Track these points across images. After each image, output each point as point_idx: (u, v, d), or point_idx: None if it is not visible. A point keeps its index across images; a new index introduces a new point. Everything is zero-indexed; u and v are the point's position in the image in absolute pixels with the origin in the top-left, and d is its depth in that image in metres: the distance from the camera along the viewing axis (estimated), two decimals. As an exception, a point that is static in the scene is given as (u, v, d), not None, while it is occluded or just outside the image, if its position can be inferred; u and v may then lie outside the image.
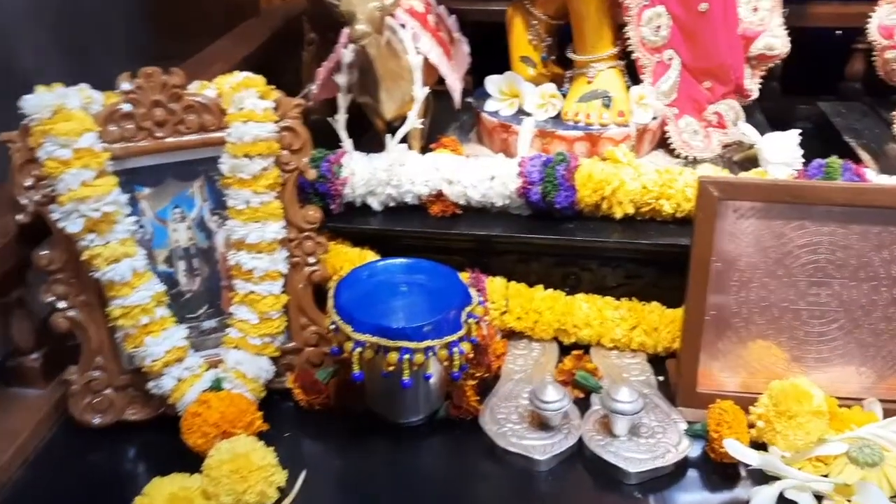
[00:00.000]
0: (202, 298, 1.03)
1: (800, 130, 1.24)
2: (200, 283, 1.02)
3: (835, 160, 1.06)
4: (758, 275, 0.97)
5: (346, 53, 1.13)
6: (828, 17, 1.63)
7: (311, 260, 1.03)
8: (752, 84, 1.38)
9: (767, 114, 1.48)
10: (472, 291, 0.98)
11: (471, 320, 0.95)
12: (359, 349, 0.90)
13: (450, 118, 1.43)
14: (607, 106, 1.24)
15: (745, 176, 1.07)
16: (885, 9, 1.37)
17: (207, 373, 0.98)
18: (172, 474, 0.87)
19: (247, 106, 0.95)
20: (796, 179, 1.01)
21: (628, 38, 1.22)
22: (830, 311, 0.97)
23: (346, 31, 1.03)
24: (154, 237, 0.98)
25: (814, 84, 1.67)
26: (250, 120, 0.94)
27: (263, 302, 0.98)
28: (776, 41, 1.34)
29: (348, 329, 0.91)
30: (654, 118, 1.27)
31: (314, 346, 1.05)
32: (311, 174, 1.02)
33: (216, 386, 0.97)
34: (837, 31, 1.69)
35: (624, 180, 1.09)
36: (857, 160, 1.30)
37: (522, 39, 1.39)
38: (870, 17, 1.37)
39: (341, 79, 1.13)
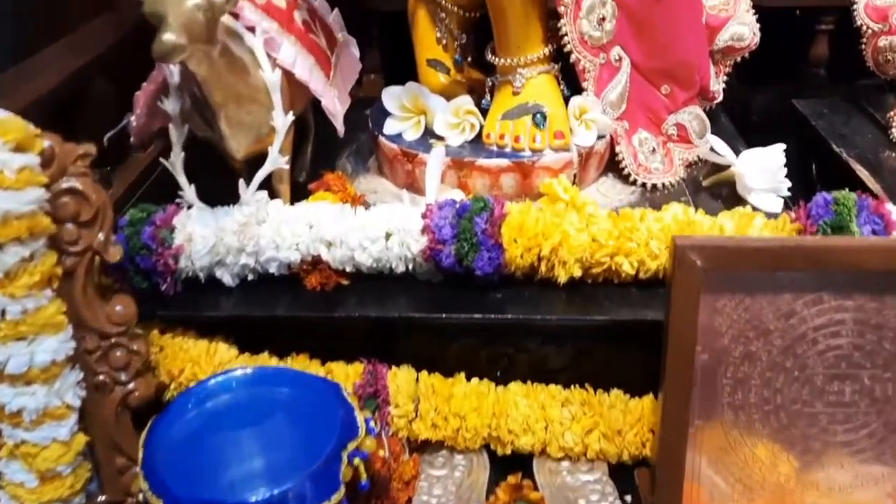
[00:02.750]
0: (-42, 448, 0.69)
1: (784, 146, 0.97)
2: (-48, 426, 0.69)
3: (847, 196, 0.78)
4: (760, 368, 0.69)
5: (172, 70, 0.80)
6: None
7: (124, 377, 0.71)
8: (718, 84, 1.11)
9: (729, 113, 1.21)
10: (358, 414, 0.68)
11: (357, 460, 0.65)
12: (176, 539, 0.59)
13: (345, 137, 1.11)
14: (540, 125, 0.94)
15: (735, 236, 0.78)
16: (873, -15, 1.11)
17: (-37, 567, 0.66)
18: None
19: (-9, 164, 0.62)
20: (808, 237, 0.73)
21: (564, 35, 0.92)
22: (858, 414, 0.70)
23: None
24: None
25: (772, 70, 1.42)
26: (-4, 186, 0.61)
27: (44, 455, 0.66)
28: (744, 29, 1.07)
29: (159, 507, 0.59)
30: (601, 137, 0.98)
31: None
32: (114, 254, 0.69)
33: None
34: (797, 11, 1.45)
35: (567, 232, 0.80)
36: (853, 176, 1.04)
37: (429, 38, 1.08)
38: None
39: (171, 105, 0.81)
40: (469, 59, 1.11)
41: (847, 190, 0.81)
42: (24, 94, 1.07)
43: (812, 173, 1.18)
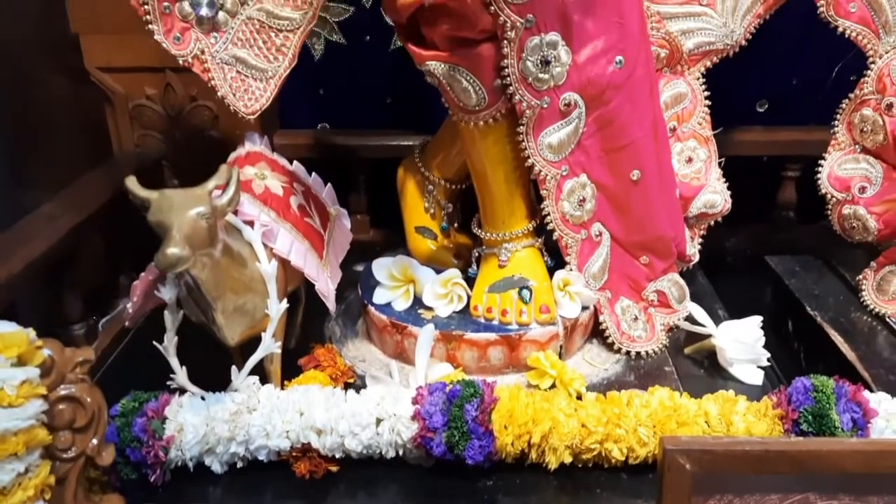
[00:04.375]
0: None
1: (760, 318, 1.01)
2: None
3: (825, 382, 0.81)
4: (751, 569, 0.69)
5: (171, 260, 0.82)
6: (754, 145, 1.44)
7: (110, 584, 0.69)
8: (693, 248, 1.15)
9: (703, 261, 1.24)
10: None
11: None
12: None
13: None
14: (526, 300, 0.97)
15: (722, 438, 0.80)
16: (835, 156, 1.18)
17: None
18: None
19: (-9, 381, 0.62)
20: (792, 440, 0.75)
21: (547, 216, 0.97)
22: None
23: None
24: None
25: (743, 214, 1.48)
26: (-4, 403, 0.62)
27: None
28: (717, 197, 1.12)
29: None
30: (585, 308, 1.01)
31: None
32: (107, 458, 0.69)
33: None
34: (764, 158, 1.52)
35: (557, 419, 0.81)
36: (828, 341, 1.07)
37: (417, 207, 1.12)
38: (818, 159, 1.18)
39: (167, 293, 0.82)
40: (456, 224, 1.15)
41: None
42: (18, 258, 1.08)
43: (789, 330, 1.21)
